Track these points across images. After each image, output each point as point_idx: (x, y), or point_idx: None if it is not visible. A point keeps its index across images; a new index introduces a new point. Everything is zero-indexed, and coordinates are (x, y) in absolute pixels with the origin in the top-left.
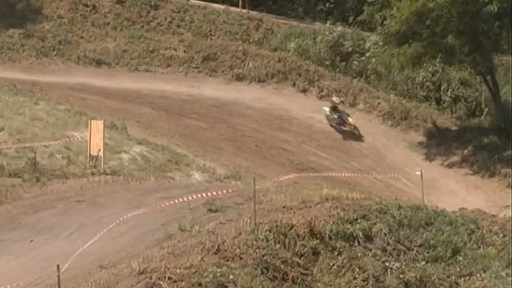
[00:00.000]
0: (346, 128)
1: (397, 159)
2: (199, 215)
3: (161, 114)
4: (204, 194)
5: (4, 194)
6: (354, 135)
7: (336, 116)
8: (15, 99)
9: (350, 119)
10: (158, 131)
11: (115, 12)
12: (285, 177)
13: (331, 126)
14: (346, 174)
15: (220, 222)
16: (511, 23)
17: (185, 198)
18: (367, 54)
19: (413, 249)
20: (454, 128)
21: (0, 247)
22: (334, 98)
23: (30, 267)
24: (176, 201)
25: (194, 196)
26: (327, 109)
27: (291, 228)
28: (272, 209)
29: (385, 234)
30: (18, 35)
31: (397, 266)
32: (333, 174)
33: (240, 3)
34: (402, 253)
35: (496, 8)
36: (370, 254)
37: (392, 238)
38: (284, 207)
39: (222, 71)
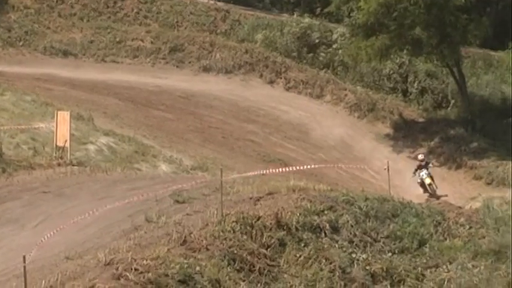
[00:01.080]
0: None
1: (364, 151)
2: (166, 206)
3: (128, 105)
4: (170, 185)
5: None
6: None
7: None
8: None
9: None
10: (125, 122)
11: (82, 3)
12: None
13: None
14: (314, 166)
15: (187, 214)
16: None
17: (153, 191)
18: (334, 46)
19: (379, 241)
20: (420, 119)
21: None
22: (419, 156)
23: None
24: (143, 194)
25: (161, 188)
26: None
27: (258, 220)
28: (239, 200)
29: (352, 226)
30: None
31: (363, 258)
32: (304, 167)
33: None
34: (369, 244)
35: (463, 0)
36: (336, 246)
37: (359, 229)
38: (251, 198)
39: (189, 62)
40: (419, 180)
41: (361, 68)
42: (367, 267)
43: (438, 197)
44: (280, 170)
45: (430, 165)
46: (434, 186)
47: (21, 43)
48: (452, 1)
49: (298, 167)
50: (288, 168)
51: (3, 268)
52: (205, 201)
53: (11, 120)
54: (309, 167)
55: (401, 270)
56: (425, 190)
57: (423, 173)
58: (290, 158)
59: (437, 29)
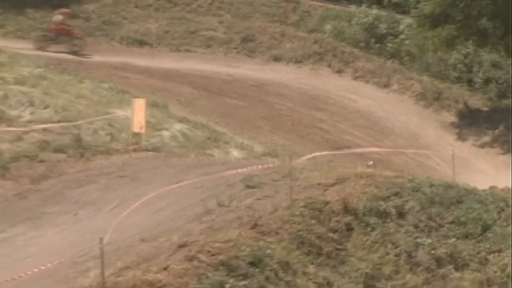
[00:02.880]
0: None
1: (429, 139)
2: (237, 191)
3: (201, 93)
4: (241, 170)
5: (50, 169)
6: None
7: None
8: (61, 77)
9: None
10: (198, 110)
11: None
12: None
13: None
14: (378, 150)
15: (258, 198)
16: None
17: (225, 176)
18: (401, 37)
19: (444, 226)
20: (485, 108)
21: (46, 220)
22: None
23: (75, 240)
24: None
25: (232, 173)
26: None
27: (326, 205)
28: (308, 186)
29: (417, 211)
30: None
31: (428, 242)
32: (368, 150)
33: None
34: (433, 230)
35: None
36: (402, 230)
37: (424, 215)
38: (319, 184)
39: (260, 52)
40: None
41: (427, 58)
42: (432, 252)
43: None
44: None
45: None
46: None
47: (98, 33)
48: None
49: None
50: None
51: (82, 249)
52: (275, 186)
53: (89, 107)
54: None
55: (465, 255)
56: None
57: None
58: (357, 145)
59: (503, 20)
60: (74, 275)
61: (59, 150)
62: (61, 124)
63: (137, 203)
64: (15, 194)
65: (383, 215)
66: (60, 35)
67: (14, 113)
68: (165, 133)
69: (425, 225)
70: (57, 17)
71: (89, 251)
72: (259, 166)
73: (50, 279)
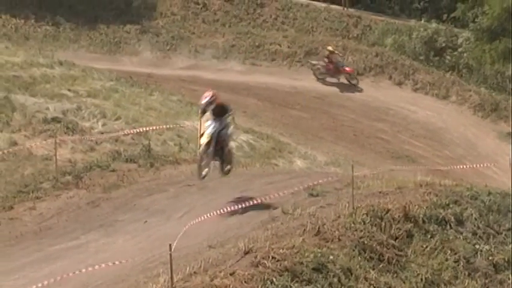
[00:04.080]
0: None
1: (487, 149)
2: (301, 199)
3: (266, 105)
4: (305, 180)
5: (121, 178)
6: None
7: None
8: (132, 90)
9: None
10: (263, 121)
11: (224, 10)
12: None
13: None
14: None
15: (321, 206)
16: None
17: (289, 185)
18: (460, 50)
19: (501, 233)
20: None
21: (118, 227)
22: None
23: (145, 246)
24: (281, 193)
25: (296, 182)
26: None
27: (387, 212)
28: (369, 194)
29: (476, 219)
30: (135, 31)
31: (486, 249)
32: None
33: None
34: (491, 236)
35: None
36: (461, 237)
37: (482, 222)
38: (380, 192)
39: None
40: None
41: (484, 70)
42: (490, 258)
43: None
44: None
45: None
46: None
47: (168, 47)
48: None
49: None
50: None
51: (151, 255)
52: (338, 194)
53: (158, 118)
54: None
55: None
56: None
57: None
58: (417, 154)
59: None
60: (145, 280)
61: (129, 160)
62: (132, 134)
63: (210, 213)
64: (88, 203)
65: (442, 222)
66: (329, 70)
67: (87, 124)
68: (232, 143)
69: (484, 232)
70: (324, 52)
71: (158, 257)
72: (325, 177)
73: (122, 284)
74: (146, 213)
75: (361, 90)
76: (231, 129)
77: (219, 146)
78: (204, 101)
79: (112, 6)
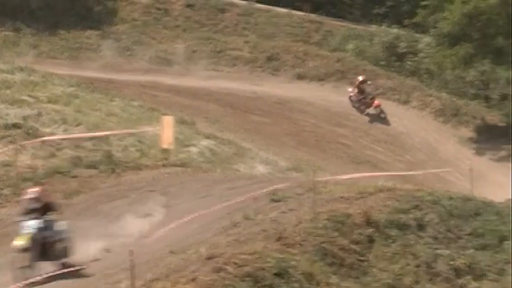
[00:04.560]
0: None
1: (448, 154)
2: (263, 205)
3: (227, 110)
4: (267, 185)
5: (82, 185)
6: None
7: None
8: (92, 96)
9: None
10: (225, 126)
11: (185, 15)
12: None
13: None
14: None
15: (282, 212)
16: None
17: (250, 190)
18: (421, 55)
19: (462, 238)
20: (501, 124)
21: (79, 233)
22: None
23: (106, 253)
24: (244, 196)
25: (258, 187)
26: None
27: (348, 218)
28: (331, 199)
29: (437, 224)
30: (96, 36)
31: (447, 253)
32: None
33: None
34: (452, 241)
35: None
36: (422, 242)
37: (443, 227)
38: (342, 197)
39: (284, 70)
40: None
41: (445, 75)
42: (451, 263)
43: (388, 122)
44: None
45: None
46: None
47: (128, 53)
48: None
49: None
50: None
51: (113, 262)
52: (299, 200)
53: (119, 124)
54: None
55: (483, 265)
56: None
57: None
58: (378, 160)
59: None
60: (106, 287)
61: (90, 166)
62: (93, 140)
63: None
64: None
65: (403, 227)
66: (359, 101)
67: (47, 130)
68: (193, 149)
69: (444, 237)
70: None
71: (120, 263)
72: (287, 182)
73: None
74: (107, 219)
75: (388, 123)
76: (59, 225)
77: (43, 248)
78: (27, 197)
79: (73, 11)
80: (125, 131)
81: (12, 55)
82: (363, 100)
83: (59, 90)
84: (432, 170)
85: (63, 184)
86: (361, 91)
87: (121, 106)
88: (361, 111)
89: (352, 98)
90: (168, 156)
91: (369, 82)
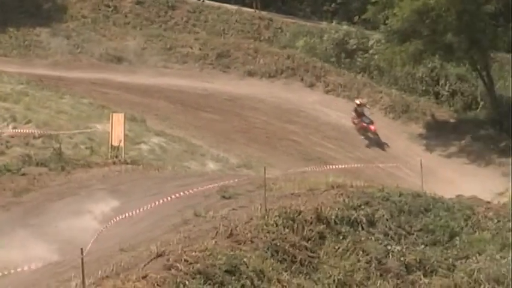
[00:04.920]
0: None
1: (398, 150)
2: (213, 202)
3: (178, 107)
4: (217, 182)
5: (31, 182)
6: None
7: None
8: (42, 93)
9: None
10: (175, 123)
11: (135, 13)
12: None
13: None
14: (355, 165)
15: (233, 209)
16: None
17: (201, 187)
18: (371, 52)
19: (413, 234)
20: (451, 120)
21: (28, 232)
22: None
23: (56, 250)
24: (192, 190)
25: (208, 184)
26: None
27: (299, 214)
28: (281, 196)
29: (387, 220)
30: (45, 34)
31: (398, 249)
32: (343, 166)
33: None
34: (403, 237)
35: (493, 7)
36: (373, 238)
37: (394, 223)
38: (293, 194)
39: (235, 67)
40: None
41: (395, 72)
42: (402, 258)
43: (382, 146)
44: (323, 168)
45: (368, 107)
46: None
47: (78, 50)
48: (483, 9)
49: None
50: (330, 166)
51: (63, 260)
52: (250, 197)
53: (69, 121)
54: (345, 165)
55: (433, 261)
56: (366, 136)
57: (366, 118)
58: (329, 156)
59: (468, 35)
60: (56, 285)
61: (40, 164)
62: (42, 138)
63: (119, 217)
64: None
65: (354, 223)
66: (356, 125)
67: None
68: (143, 146)
69: (395, 233)
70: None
71: (70, 261)
72: (238, 179)
73: None
74: (57, 217)
75: (383, 148)
76: None
77: None
78: None
79: (22, 9)
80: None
81: None
82: (360, 124)
83: (8, 88)
84: (380, 165)
85: (12, 182)
86: (359, 114)
87: (71, 103)
88: (361, 135)
89: (354, 121)
90: (118, 153)
91: (368, 106)
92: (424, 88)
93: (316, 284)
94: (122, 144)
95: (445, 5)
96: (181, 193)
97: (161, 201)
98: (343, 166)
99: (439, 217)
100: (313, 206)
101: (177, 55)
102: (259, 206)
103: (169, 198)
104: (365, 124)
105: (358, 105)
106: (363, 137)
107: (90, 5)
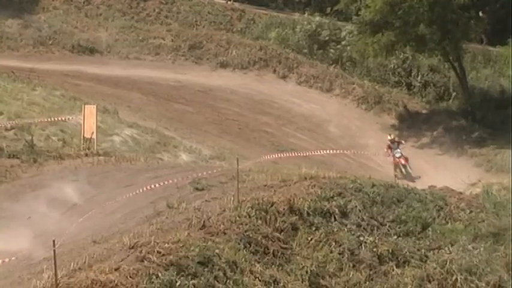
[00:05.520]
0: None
1: (371, 141)
2: (186, 193)
3: (150, 99)
4: (190, 174)
5: (3, 174)
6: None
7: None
8: (14, 85)
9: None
10: (147, 115)
11: (107, 4)
12: (267, 157)
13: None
14: (322, 152)
15: (206, 200)
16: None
17: (174, 179)
18: (343, 43)
19: (385, 225)
20: (424, 111)
21: (0, 223)
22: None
23: (28, 242)
24: (165, 182)
25: (181, 176)
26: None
27: (272, 206)
28: (254, 188)
29: (360, 211)
30: (17, 25)
31: (370, 240)
32: (311, 153)
33: None
34: (375, 228)
35: None
36: (345, 229)
37: (366, 214)
38: (265, 185)
39: (207, 59)
40: (393, 159)
41: (368, 63)
42: (374, 249)
43: (413, 179)
44: (293, 154)
45: (402, 142)
46: (409, 167)
47: (50, 42)
48: (454, 0)
49: (309, 153)
50: (300, 153)
51: (35, 251)
52: (223, 188)
53: (41, 113)
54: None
55: (406, 252)
56: (400, 171)
57: (396, 152)
58: (302, 147)
59: (440, 26)
60: (28, 277)
61: (12, 155)
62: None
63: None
64: None
65: (327, 214)
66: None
67: None
68: (116, 138)
69: (368, 224)
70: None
71: (42, 253)
72: (211, 171)
73: (5, 281)
74: (29, 209)
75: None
76: None
77: None
78: None
79: None
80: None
81: None
82: (393, 159)
83: None
84: (346, 151)
85: None
86: (390, 149)
87: (43, 95)
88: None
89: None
90: (90, 145)
91: (403, 142)
92: (396, 79)
93: (289, 275)
94: (94, 136)
95: None
96: (154, 185)
97: (134, 193)
98: (311, 153)
99: (412, 208)
100: (286, 198)
101: (150, 46)
102: (232, 197)
103: (141, 190)
104: (396, 158)
105: (390, 141)
106: (395, 173)
107: None
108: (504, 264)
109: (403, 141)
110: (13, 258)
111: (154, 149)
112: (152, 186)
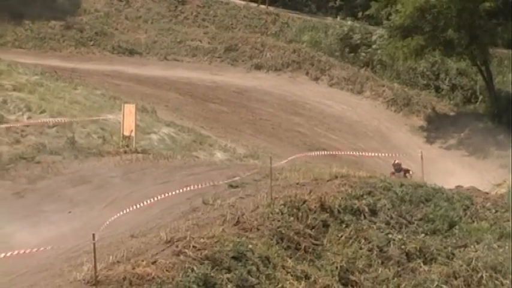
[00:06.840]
0: None
1: (400, 142)
2: (221, 190)
3: (187, 99)
4: (225, 172)
5: (46, 170)
6: None
7: None
8: (56, 84)
9: None
10: (184, 115)
11: (146, 7)
12: (299, 156)
13: None
14: (353, 153)
15: (240, 197)
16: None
17: (209, 176)
18: (374, 46)
19: (413, 223)
20: (451, 113)
21: (42, 217)
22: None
23: (69, 236)
24: (200, 179)
25: (216, 173)
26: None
27: (304, 203)
28: (287, 186)
29: (389, 209)
30: (59, 27)
31: (399, 238)
32: (342, 153)
33: None
34: (404, 226)
35: (492, 5)
36: (374, 227)
37: (395, 212)
38: (297, 183)
39: (242, 61)
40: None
41: (397, 66)
42: (402, 247)
43: None
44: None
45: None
46: None
47: (91, 43)
48: (482, 6)
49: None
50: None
51: (75, 245)
52: (256, 186)
53: (82, 112)
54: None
55: (433, 250)
56: None
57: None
58: (333, 147)
59: (468, 31)
60: (69, 269)
61: (54, 152)
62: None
63: (130, 204)
64: (14, 193)
65: (357, 212)
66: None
67: (12, 117)
68: (154, 136)
69: (396, 222)
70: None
71: (82, 246)
72: (245, 169)
73: (46, 273)
74: (70, 204)
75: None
76: None
77: None
78: None
79: (37, 2)
80: (87, 118)
81: None
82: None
83: (24, 78)
84: (381, 154)
85: (27, 170)
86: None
87: (84, 94)
88: None
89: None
90: (129, 143)
91: (411, 172)
92: (425, 82)
93: (320, 271)
94: (133, 134)
95: (445, 2)
96: (193, 186)
97: (172, 193)
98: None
99: (439, 207)
100: (317, 195)
101: (187, 48)
102: (265, 194)
103: (180, 190)
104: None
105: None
106: None
107: None
108: None
109: (411, 172)
110: (54, 250)
111: (191, 147)
112: (188, 184)
